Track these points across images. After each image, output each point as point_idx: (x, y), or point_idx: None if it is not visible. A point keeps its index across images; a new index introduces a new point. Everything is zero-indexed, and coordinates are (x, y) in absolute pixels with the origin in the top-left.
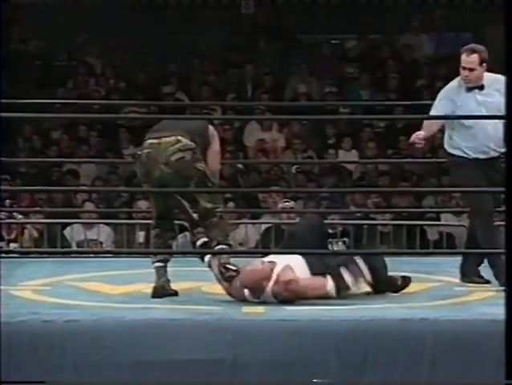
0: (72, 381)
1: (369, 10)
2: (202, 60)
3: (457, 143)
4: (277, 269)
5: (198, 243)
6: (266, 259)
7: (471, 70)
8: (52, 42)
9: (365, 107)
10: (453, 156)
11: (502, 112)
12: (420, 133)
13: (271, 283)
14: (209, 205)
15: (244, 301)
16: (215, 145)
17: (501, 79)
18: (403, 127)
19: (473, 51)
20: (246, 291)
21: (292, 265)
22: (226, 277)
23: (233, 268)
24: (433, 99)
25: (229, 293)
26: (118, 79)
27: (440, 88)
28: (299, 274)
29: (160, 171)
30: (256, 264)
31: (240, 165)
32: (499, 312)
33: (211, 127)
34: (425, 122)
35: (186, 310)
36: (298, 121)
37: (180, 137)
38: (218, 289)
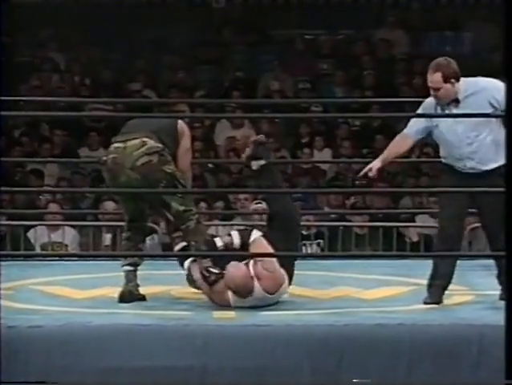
0: (72, 381)
1: (343, 5)
2: (171, 56)
3: (441, 155)
4: (252, 267)
5: (177, 248)
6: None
7: (435, 89)
8: (15, 38)
9: (340, 104)
10: (442, 163)
11: (483, 123)
12: (374, 165)
13: (256, 283)
14: (181, 208)
15: (226, 306)
16: (185, 143)
17: (482, 83)
18: (379, 126)
19: (436, 70)
20: (230, 295)
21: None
22: (210, 281)
23: (216, 271)
24: (411, 96)
25: (211, 299)
26: (83, 76)
27: (418, 85)
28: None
29: (127, 176)
30: (237, 266)
31: (210, 164)
32: (477, 316)
33: (181, 123)
34: (393, 142)
35: (155, 314)
36: (270, 119)
37: (146, 139)
38: (188, 293)
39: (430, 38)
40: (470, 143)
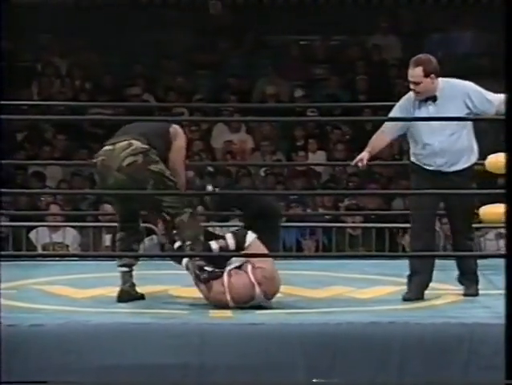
0: (73, 381)
1: (337, 11)
2: (169, 61)
3: (412, 153)
4: (251, 273)
5: (175, 245)
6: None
7: (416, 83)
8: (17, 43)
9: (334, 108)
10: (412, 162)
11: (458, 123)
12: (364, 156)
13: (257, 289)
14: (174, 203)
15: (224, 307)
16: (178, 142)
17: (459, 84)
18: (372, 129)
19: (417, 64)
20: (229, 299)
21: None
22: (203, 279)
23: (209, 269)
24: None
25: (207, 298)
26: (84, 81)
27: (410, 90)
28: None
29: (114, 178)
30: (238, 274)
31: (210, 168)
32: (467, 315)
33: (174, 126)
34: (374, 136)
35: (152, 313)
36: (266, 123)
37: (133, 141)
38: (185, 292)
39: (421, 42)
40: (442, 141)
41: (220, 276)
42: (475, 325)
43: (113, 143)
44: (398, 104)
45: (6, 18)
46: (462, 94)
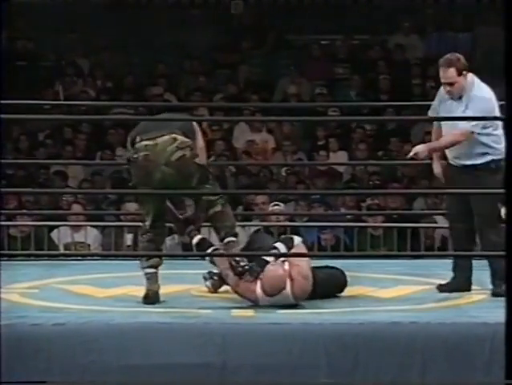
0: (72, 381)
1: (359, 11)
2: (191, 61)
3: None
4: (287, 266)
5: (194, 241)
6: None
7: (451, 84)
8: (40, 43)
9: (356, 108)
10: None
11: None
12: (421, 148)
13: (289, 284)
14: (212, 197)
15: (249, 299)
16: (200, 140)
17: (482, 87)
18: (394, 129)
19: (449, 65)
20: (258, 291)
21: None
22: (237, 271)
23: (243, 264)
24: (425, 100)
25: (236, 291)
26: (106, 80)
27: (432, 88)
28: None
29: (162, 172)
30: (277, 266)
31: (232, 167)
32: (490, 315)
33: (194, 123)
34: (433, 131)
35: (175, 313)
36: (288, 122)
37: (174, 135)
38: (207, 292)
39: (443, 42)
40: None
41: (256, 272)
42: (497, 324)
43: (152, 138)
44: (436, 97)
45: (22, 17)
46: (470, 99)
